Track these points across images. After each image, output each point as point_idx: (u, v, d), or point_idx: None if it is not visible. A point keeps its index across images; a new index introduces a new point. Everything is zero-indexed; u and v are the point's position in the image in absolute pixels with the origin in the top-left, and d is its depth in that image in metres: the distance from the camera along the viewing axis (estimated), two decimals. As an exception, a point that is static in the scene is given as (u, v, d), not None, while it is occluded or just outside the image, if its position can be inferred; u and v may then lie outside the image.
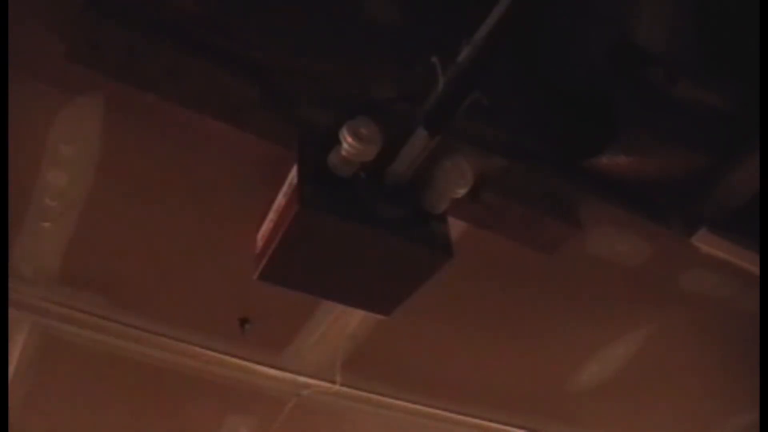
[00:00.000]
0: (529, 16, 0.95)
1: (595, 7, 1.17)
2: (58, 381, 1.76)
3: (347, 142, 1.04)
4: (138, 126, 1.26)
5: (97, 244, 1.48)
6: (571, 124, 1.25)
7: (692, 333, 1.92)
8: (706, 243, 1.49)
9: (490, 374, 2.01)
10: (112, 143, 1.28)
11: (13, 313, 1.54)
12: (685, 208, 1.46)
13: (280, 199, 1.15)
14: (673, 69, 1.23)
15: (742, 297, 1.75)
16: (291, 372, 1.90)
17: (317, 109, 1.13)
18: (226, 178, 1.36)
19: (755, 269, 1.56)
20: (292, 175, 1.11)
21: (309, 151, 1.12)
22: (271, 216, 1.17)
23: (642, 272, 1.67)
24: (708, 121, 1.31)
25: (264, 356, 1.85)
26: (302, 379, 1.92)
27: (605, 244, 1.59)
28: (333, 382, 1.92)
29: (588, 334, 1.90)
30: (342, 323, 1.76)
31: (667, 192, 1.43)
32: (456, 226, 1.35)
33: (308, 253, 1.13)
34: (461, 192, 1.14)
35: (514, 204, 1.38)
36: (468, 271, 1.54)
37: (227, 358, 1.81)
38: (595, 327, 1.87)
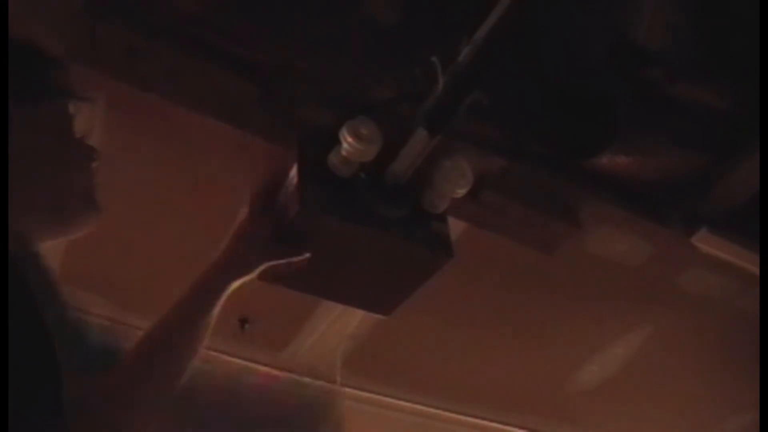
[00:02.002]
0: (529, 16, 0.95)
1: (595, 7, 1.17)
2: (58, 381, 1.75)
3: (347, 142, 1.04)
4: (138, 126, 1.26)
5: (97, 244, 1.48)
6: (571, 124, 1.25)
7: (692, 333, 1.92)
8: (706, 243, 1.49)
9: (490, 374, 2.02)
10: (112, 143, 1.28)
11: (13, 313, 1.54)
12: (685, 208, 1.46)
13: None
14: (672, 69, 1.23)
15: (742, 297, 1.75)
16: (291, 372, 1.90)
17: (317, 109, 1.13)
18: (226, 178, 1.36)
19: (755, 269, 1.55)
20: (292, 175, 1.11)
21: (309, 151, 1.12)
22: (271, 216, 1.16)
23: (642, 272, 1.67)
24: (708, 121, 1.31)
25: (264, 356, 1.85)
26: (302, 379, 1.92)
27: (605, 244, 1.59)
28: (333, 382, 1.92)
29: (588, 334, 1.90)
30: (342, 323, 1.76)
31: (667, 192, 1.44)
32: (456, 226, 1.36)
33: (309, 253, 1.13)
34: (461, 192, 1.14)
35: (514, 204, 1.38)
36: (468, 271, 1.54)
37: (227, 358, 1.81)
38: (595, 327, 1.87)
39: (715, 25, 1.19)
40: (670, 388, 2.13)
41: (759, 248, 1.48)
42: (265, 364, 1.86)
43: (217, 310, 1.06)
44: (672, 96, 1.26)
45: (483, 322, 1.83)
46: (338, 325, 1.76)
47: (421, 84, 1.03)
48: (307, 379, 1.92)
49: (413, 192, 1.13)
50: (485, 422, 2.18)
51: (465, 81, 0.99)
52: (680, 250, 1.55)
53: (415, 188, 1.13)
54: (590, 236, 1.55)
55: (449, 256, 1.12)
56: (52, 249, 1.46)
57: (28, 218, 0.80)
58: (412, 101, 1.03)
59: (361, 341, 1.81)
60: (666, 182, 1.42)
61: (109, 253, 1.50)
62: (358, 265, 1.15)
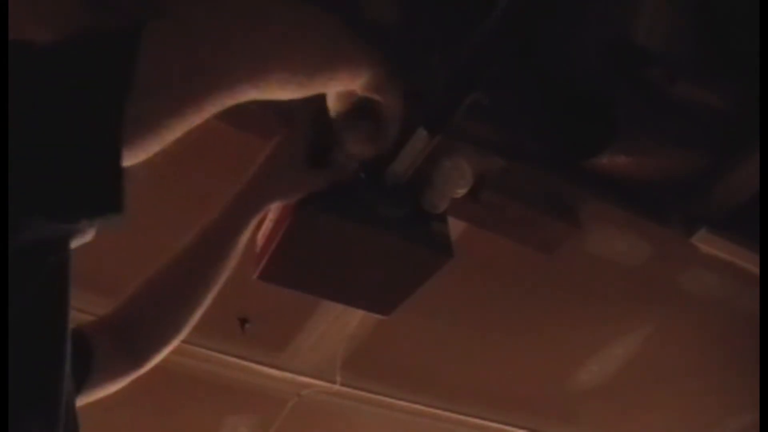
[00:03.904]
0: (529, 15, 0.95)
1: (595, 6, 1.17)
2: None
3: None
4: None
5: (96, 245, 1.48)
6: (571, 124, 1.25)
7: (692, 333, 1.92)
8: (706, 243, 1.49)
9: (490, 374, 2.02)
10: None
11: (13, 313, 1.54)
12: (685, 208, 1.46)
13: (280, 199, 1.15)
14: (672, 69, 1.23)
15: (742, 297, 1.76)
16: (291, 372, 1.90)
17: (317, 109, 1.14)
18: (225, 178, 1.36)
19: (755, 269, 1.56)
20: (292, 174, 1.11)
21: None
22: (271, 216, 1.16)
23: (642, 272, 1.67)
24: (708, 121, 1.31)
25: (264, 356, 1.85)
26: (302, 379, 1.92)
27: (605, 244, 1.59)
28: (333, 382, 1.92)
29: (588, 334, 1.90)
30: (342, 323, 1.76)
31: (667, 192, 1.44)
32: (456, 226, 1.36)
33: (308, 253, 1.13)
34: (461, 192, 1.14)
35: (513, 204, 1.38)
36: (468, 271, 1.55)
37: (227, 358, 1.81)
38: (595, 327, 1.88)
39: (715, 24, 1.19)
40: (670, 388, 2.13)
41: (759, 248, 1.48)
42: (265, 364, 1.86)
43: (249, 231, 1.03)
44: (672, 96, 1.26)
45: (483, 322, 1.83)
46: (338, 325, 1.76)
47: (421, 84, 1.03)
48: (307, 379, 1.92)
49: (413, 192, 1.13)
50: (485, 422, 2.18)
51: (465, 81, 0.99)
52: (680, 250, 1.55)
53: (415, 188, 1.13)
54: (590, 236, 1.55)
55: (449, 256, 1.12)
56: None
57: None
58: (412, 101, 1.03)
59: (361, 341, 1.81)
60: (666, 182, 1.42)
61: (109, 253, 1.50)
62: (357, 265, 1.15)
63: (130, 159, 0.63)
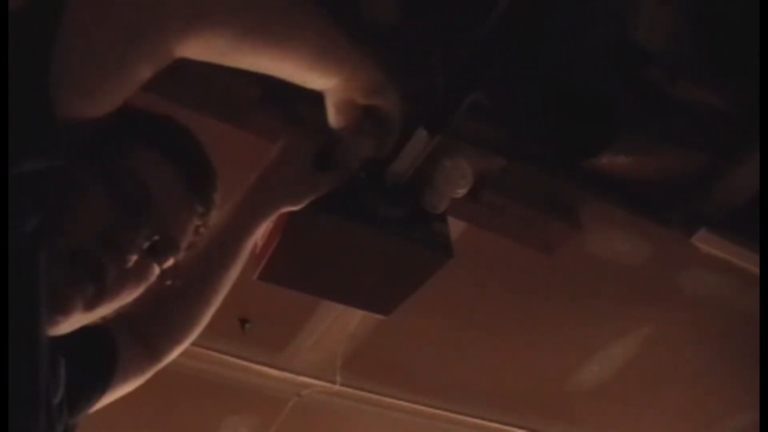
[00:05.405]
0: (529, 15, 0.95)
1: (595, 6, 1.17)
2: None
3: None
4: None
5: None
6: (571, 124, 1.25)
7: (692, 333, 1.92)
8: (706, 243, 1.49)
9: (490, 374, 2.02)
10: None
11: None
12: (685, 208, 1.46)
13: (280, 199, 1.15)
14: (672, 69, 1.23)
15: (742, 297, 1.76)
16: (291, 372, 1.90)
17: (317, 109, 1.14)
18: (225, 178, 1.36)
19: (755, 269, 1.56)
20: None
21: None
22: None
23: (642, 272, 1.67)
24: (708, 121, 1.31)
25: (264, 356, 1.85)
26: (302, 379, 1.92)
27: (605, 244, 1.59)
28: (333, 382, 1.92)
29: (588, 334, 1.90)
30: (342, 323, 1.76)
31: (667, 192, 1.44)
32: (456, 226, 1.36)
33: (308, 253, 1.13)
34: (461, 192, 1.14)
35: (514, 204, 1.38)
36: (468, 271, 1.55)
37: (227, 358, 1.81)
38: (595, 327, 1.88)
39: (715, 25, 1.19)
40: (669, 388, 2.13)
41: (759, 248, 1.48)
42: (265, 364, 1.86)
43: (257, 235, 1.03)
44: (672, 96, 1.26)
45: (483, 321, 1.83)
46: (338, 325, 1.76)
47: (421, 84, 1.03)
48: (307, 379, 1.92)
49: (413, 192, 1.13)
50: (485, 422, 2.18)
51: (465, 81, 0.99)
52: (680, 250, 1.55)
53: (415, 188, 1.13)
54: (590, 236, 1.55)
55: (449, 256, 1.12)
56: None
57: None
58: (412, 101, 1.03)
59: (361, 341, 1.81)
60: (666, 182, 1.42)
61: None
62: (358, 265, 1.15)
63: (103, 104, 0.65)
